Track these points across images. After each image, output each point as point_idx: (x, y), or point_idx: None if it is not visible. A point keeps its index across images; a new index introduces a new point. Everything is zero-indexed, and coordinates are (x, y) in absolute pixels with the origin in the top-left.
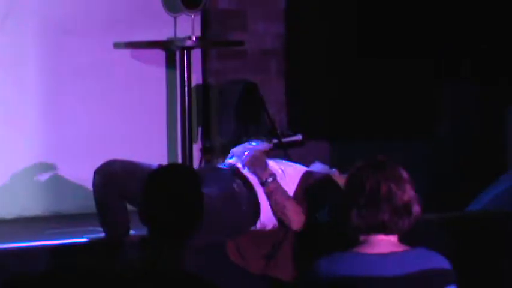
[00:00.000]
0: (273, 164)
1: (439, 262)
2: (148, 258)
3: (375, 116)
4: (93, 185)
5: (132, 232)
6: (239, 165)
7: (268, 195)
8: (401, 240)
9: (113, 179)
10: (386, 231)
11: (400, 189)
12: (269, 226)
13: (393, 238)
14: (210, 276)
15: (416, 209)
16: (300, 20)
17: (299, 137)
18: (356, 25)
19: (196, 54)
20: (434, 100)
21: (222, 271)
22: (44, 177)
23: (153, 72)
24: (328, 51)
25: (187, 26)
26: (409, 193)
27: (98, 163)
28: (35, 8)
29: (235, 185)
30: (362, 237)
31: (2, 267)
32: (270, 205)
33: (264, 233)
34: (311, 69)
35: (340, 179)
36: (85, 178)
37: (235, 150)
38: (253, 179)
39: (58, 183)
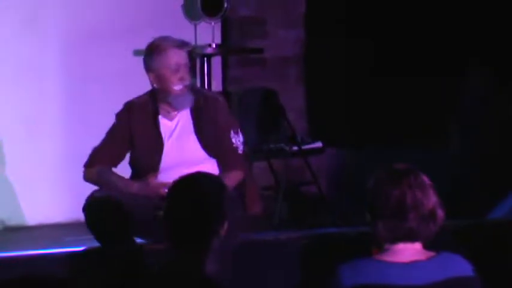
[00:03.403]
0: None
1: (464, 269)
2: (169, 265)
3: (395, 124)
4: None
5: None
6: None
7: None
8: (425, 246)
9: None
10: (413, 238)
11: (425, 196)
12: None
13: (418, 246)
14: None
15: (440, 214)
16: (320, 27)
17: (319, 144)
18: (374, 31)
19: (216, 61)
20: (452, 110)
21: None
22: (66, 184)
23: None
24: (347, 58)
25: (208, 34)
26: (433, 199)
27: (120, 170)
28: (58, 16)
29: None
30: (386, 246)
31: (22, 273)
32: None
33: None
34: (331, 76)
35: None
36: None
37: None
38: None
39: (80, 191)
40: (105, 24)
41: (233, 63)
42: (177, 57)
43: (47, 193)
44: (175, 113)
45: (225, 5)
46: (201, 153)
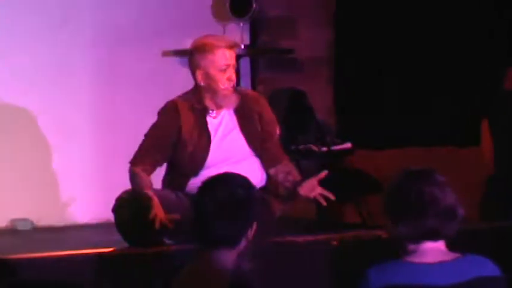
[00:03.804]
0: None
1: (490, 270)
2: (196, 266)
3: (424, 124)
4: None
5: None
6: None
7: None
8: (450, 248)
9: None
10: (435, 237)
11: (443, 193)
12: None
13: (442, 246)
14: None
15: (460, 212)
16: (350, 27)
17: (348, 145)
18: (407, 32)
19: (245, 62)
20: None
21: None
22: (95, 185)
23: None
24: (377, 59)
25: (236, 34)
26: (451, 196)
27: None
28: (86, 19)
29: None
30: (411, 247)
31: (50, 275)
32: None
33: None
34: (360, 77)
35: None
36: None
37: None
38: None
39: (109, 191)
40: (133, 25)
41: (262, 64)
42: (226, 58)
43: (76, 194)
44: (220, 110)
45: (254, 6)
46: (245, 150)
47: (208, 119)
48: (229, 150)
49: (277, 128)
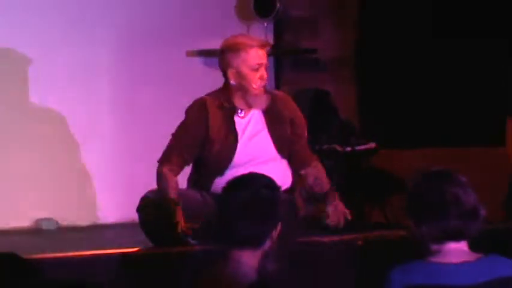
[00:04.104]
0: None
1: None
2: (220, 266)
3: (448, 124)
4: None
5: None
6: None
7: None
8: (472, 249)
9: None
10: (458, 238)
11: (464, 193)
12: None
13: (464, 246)
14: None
15: (482, 212)
16: (373, 27)
17: (372, 145)
18: (430, 31)
19: (269, 62)
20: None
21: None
22: (119, 184)
23: None
24: (401, 59)
25: (260, 34)
26: (472, 196)
27: None
28: (108, 18)
29: None
30: (433, 247)
31: (74, 274)
32: None
33: None
34: (384, 77)
35: None
36: None
37: None
38: None
39: (132, 191)
40: (157, 25)
41: (286, 64)
42: (259, 57)
43: (100, 194)
44: (249, 110)
45: (278, 6)
46: (272, 151)
47: (236, 118)
48: (256, 151)
49: (306, 130)
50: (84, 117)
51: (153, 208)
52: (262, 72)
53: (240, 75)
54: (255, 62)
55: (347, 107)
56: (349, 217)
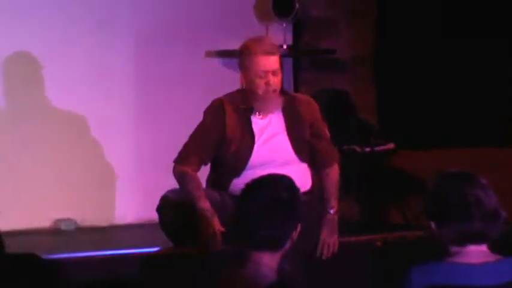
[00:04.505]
0: None
1: None
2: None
3: (467, 124)
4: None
5: None
6: None
7: None
8: (492, 250)
9: None
10: (480, 240)
11: (486, 195)
12: None
13: (484, 247)
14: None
15: (502, 213)
16: (392, 27)
17: (391, 145)
18: (449, 31)
19: (288, 62)
20: None
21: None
22: (138, 185)
23: None
24: (419, 59)
25: (279, 35)
26: (493, 198)
27: None
28: (128, 19)
29: None
30: (453, 249)
31: (94, 275)
32: None
33: None
34: (402, 77)
35: None
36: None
37: None
38: None
39: (152, 191)
40: (175, 25)
41: (305, 64)
42: (264, 64)
43: (119, 194)
44: (268, 112)
45: (297, 6)
46: (290, 153)
47: (254, 119)
48: (274, 152)
49: (327, 131)
50: (104, 118)
51: (173, 208)
52: (269, 78)
53: (246, 79)
54: (259, 69)
55: (366, 108)
56: (336, 251)
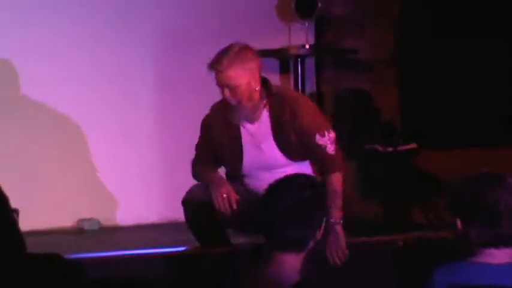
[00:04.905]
0: None
1: None
2: (264, 268)
3: (490, 125)
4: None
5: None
6: None
7: None
8: None
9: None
10: (506, 244)
11: None
12: None
13: (508, 250)
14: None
15: None
16: (415, 27)
17: (414, 145)
18: (472, 32)
19: (310, 62)
20: None
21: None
22: (160, 185)
23: None
24: (442, 59)
25: (301, 34)
26: None
27: None
28: (148, 19)
29: None
30: (477, 249)
31: (117, 274)
32: None
33: None
34: (425, 77)
35: None
36: None
37: None
38: None
39: (173, 191)
40: (197, 26)
41: (327, 63)
42: (216, 78)
43: (141, 194)
44: (256, 118)
45: (319, 5)
46: (281, 157)
47: (244, 124)
48: (263, 158)
49: (317, 138)
50: (128, 118)
51: (198, 198)
52: (224, 92)
53: None
54: (216, 81)
55: (388, 107)
56: (345, 256)
